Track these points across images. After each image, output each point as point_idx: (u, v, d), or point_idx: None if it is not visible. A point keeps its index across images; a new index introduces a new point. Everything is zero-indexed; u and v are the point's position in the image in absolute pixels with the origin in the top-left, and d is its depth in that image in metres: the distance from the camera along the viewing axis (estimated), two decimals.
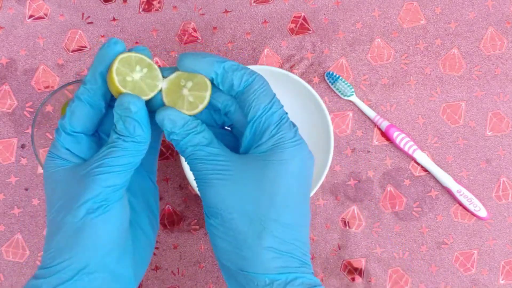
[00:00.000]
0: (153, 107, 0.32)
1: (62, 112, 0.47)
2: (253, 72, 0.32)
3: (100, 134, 0.34)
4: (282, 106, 0.33)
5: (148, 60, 0.32)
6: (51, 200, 0.32)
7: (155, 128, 0.33)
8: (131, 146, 0.30)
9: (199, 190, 0.33)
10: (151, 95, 0.32)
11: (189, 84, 0.33)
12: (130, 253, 0.33)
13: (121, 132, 0.30)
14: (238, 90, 0.32)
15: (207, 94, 0.32)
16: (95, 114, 0.32)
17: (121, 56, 0.31)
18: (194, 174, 0.33)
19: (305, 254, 0.32)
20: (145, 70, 0.32)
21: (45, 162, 0.32)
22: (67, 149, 0.32)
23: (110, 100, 0.33)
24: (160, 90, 0.33)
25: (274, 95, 0.33)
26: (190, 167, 0.32)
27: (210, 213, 0.32)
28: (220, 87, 0.33)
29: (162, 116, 0.32)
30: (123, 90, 0.31)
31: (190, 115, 0.32)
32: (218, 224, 0.32)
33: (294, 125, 0.33)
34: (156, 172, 0.37)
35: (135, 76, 0.31)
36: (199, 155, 0.32)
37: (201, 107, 0.33)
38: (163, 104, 0.33)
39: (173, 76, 0.33)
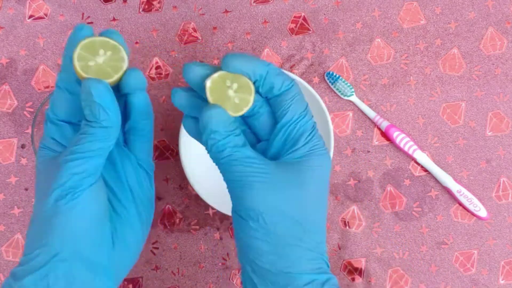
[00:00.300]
0: (126, 87, 0.32)
1: None
2: (292, 78, 0.34)
3: None
4: (313, 116, 0.34)
5: (112, 42, 0.32)
6: (35, 190, 0.32)
7: (134, 110, 0.33)
8: (99, 131, 0.30)
9: (234, 192, 0.32)
10: (115, 77, 0.31)
11: (235, 85, 0.32)
12: (108, 242, 0.32)
13: (88, 117, 0.30)
14: (276, 94, 0.33)
15: (251, 98, 0.32)
16: (75, 100, 0.32)
17: (83, 41, 0.31)
18: (227, 176, 0.32)
19: (326, 255, 0.34)
20: (109, 53, 0.31)
21: (37, 154, 0.32)
22: (53, 138, 0.32)
23: None
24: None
25: (307, 104, 0.34)
26: (224, 168, 0.32)
27: (248, 216, 0.32)
28: (260, 89, 0.33)
29: (210, 114, 0.31)
30: (85, 75, 0.30)
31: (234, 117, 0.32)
32: (259, 226, 0.31)
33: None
34: (150, 158, 0.36)
35: (98, 60, 0.31)
36: (237, 156, 0.31)
37: (245, 109, 0.32)
38: (205, 102, 0.32)
39: (216, 75, 0.32)
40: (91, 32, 0.32)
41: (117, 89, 0.33)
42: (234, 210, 0.33)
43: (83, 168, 0.30)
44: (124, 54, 0.32)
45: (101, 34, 0.32)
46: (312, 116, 0.34)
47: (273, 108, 0.33)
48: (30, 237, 0.31)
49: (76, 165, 0.30)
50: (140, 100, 0.33)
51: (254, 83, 0.32)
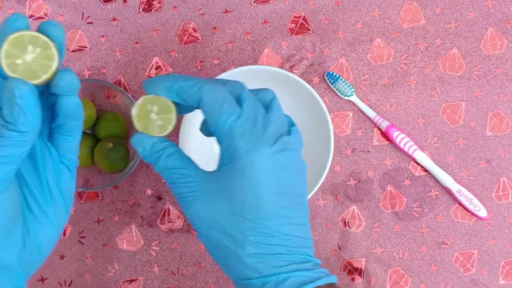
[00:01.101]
0: (56, 89, 0.30)
1: None
2: (199, 87, 0.33)
3: None
4: (235, 112, 0.33)
5: (43, 38, 0.29)
6: None
7: (63, 112, 0.32)
8: (15, 136, 0.28)
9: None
10: (44, 77, 0.29)
11: (155, 108, 0.35)
12: (19, 244, 0.31)
13: (6, 117, 0.28)
14: (196, 106, 0.34)
15: (173, 116, 0.34)
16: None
17: (11, 36, 0.28)
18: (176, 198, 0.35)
19: (295, 248, 0.33)
20: (38, 50, 0.29)
21: None
22: None
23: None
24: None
25: (224, 101, 0.33)
26: (172, 191, 0.35)
27: (197, 233, 0.34)
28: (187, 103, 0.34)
29: (133, 142, 0.34)
30: (11, 75, 0.28)
31: (160, 137, 0.35)
32: (205, 242, 0.34)
33: (253, 123, 0.33)
34: (74, 155, 0.34)
35: (26, 57, 0.29)
36: (174, 178, 0.34)
37: (170, 128, 0.35)
38: (134, 129, 0.35)
39: (140, 101, 0.34)
40: (25, 24, 0.29)
41: (48, 87, 0.31)
42: None
43: None
44: (54, 51, 0.29)
45: (40, 26, 0.30)
46: (232, 113, 0.33)
47: None
48: None
49: None
50: (70, 105, 0.31)
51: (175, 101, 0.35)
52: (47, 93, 0.32)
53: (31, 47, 0.29)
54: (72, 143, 0.33)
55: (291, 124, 0.36)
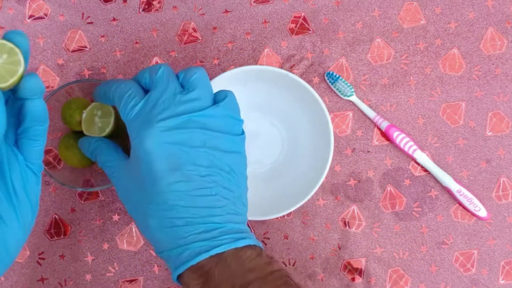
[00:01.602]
0: (21, 92, 0.32)
1: (62, 112, 0.47)
2: (111, 88, 0.39)
3: None
4: (133, 100, 0.37)
5: (9, 45, 0.31)
6: None
7: (29, 115, 0.33)
8: None
9: None
10: (10, 81, 0.31)
11: (99, 112, 0.44)
12: None
13: None
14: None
15: (112, 120, 0.44)
16: None
17: None
18: None
19: (197, 219, 0.35)
20: (4, 56, 0.31)
21: None
22: None
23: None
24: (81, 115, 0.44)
25: (125, 93, 0.37)
26: None
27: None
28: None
29: (79, 144, 0.44)
30: None
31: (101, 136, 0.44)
32: (134, 220, 0.39)
33: (152, 106, 0.36)
34: (40, 160, 0.35)
35: None
36: (106, 170, 0.40)
37: (107, 130, 0.44)
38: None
39: (90, 107, 0.45)
40: None
41: (13, 92, 0.32)
42: None
43: None
44: (20, 57, 0.31)
45: (5, 35, 0.31)
46: (130, 103, 0.37)
47: None
48: None
49: None
50: (36, 108, 0.33)
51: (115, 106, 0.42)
52: (13, 100, 0.33)
53: None
54: (37, 147, 0.35)
55: (222, 98, 0.38)
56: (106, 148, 0.41)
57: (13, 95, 0.33)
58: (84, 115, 0.44)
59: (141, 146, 0.35)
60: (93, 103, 0.44)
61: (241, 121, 0.39)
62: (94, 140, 0.42)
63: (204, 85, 0.37)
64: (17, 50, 0.31)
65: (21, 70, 0.31)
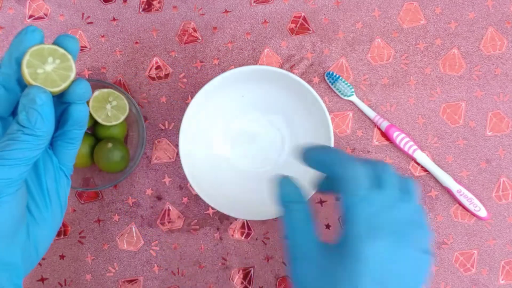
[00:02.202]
0: (69, 97, 0.33)
1: None
2: (343, 164, 0.34)
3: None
4: (365, 192, 0.33)
5: (61, 50, 0.32)
6: None
7: (72, 119, 0.33)
8: (31, 139, 0.30)
9: None
10: (63, 86, 0.32)
11: (114, 102, 0.49)
12: (21, 242, 0.33)
13: (22, 122, 0.30)
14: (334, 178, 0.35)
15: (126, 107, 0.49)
16: (10, 97, 0.32)
17: (32, 48, 0.31)
18: None
19: None
20: (57, 61, 0.32)
21: None
22: None
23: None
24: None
25: (360, 177, 0.33)
26: None
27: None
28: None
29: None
30: (33, 83, 0.31)
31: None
32: None
33: (380, 210, 0.33)
34: (72, 163, 0.36)
35: (47, 67, 0.31)
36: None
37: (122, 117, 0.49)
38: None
39: (96, 93, 0.47)
40: (41, 37, 0.32)
41: (59, 96, 0.33)
42: None
43: (9, 175, 0.30)
44: (72, 63, 0.32)
45: (58, 38, 0.32)
46: (361, 193, 0.33)
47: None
48: None
49: (2, 171, 0.30)
50: (80, 112, 0.33)
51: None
52: (57, 104, 0.34)
53: (51, 58, 0.31)
54: (72, 150, 0.35)
55: (422, 226, 0.34)
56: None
57: (57, 99, 0.34)
58: (90, 103, 0.46)
59: (358, 255, 0.31)
60: (99, 90, 0.45)
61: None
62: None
63: (417, 200, 0.35)
64: (69, 56, 0.32)
65: (72, 75, 0.32)
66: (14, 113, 0.34)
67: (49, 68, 0.31)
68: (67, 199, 0.37)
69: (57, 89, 0.31)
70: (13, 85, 0.32)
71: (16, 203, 0.31)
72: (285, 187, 0.36)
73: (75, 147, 0.35)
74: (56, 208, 0.35)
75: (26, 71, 0.31)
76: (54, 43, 0.32)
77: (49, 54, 0.31)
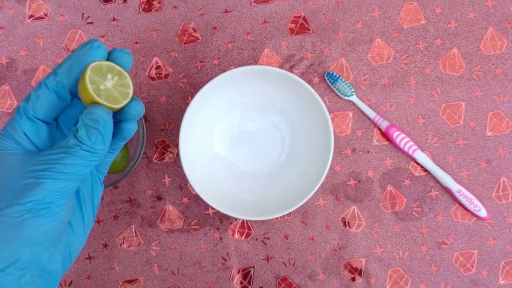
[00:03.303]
0: (126, 116, 0.33)
1: None
2: None
3: (60, 123, 0.34)
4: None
5: (118, 68, 0.32)
6: None
7: (121, 135, 0.34)
8: (88, 156, 0.31)
9: None
10: (124, 103, 0.32)
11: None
12: (62, 250, 0.33)
13: (81, 139, 0.30)
14: None
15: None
16: (60, 104, 0.33)
17: (92, 64, 0.31)
18: None
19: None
20: (116, 78, 0.32)
21: None
22: (25, 134, 0.32)
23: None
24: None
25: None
26: None
27: None
28: None
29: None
30: (98, 99, 0.31)
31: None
32: None
33: None
34: (106, 171, 0.37)
35: (107, 84, 0.31)
36: None
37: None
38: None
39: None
40: (105, 54, 0.32)
41: (115, 113, 0.34)
42: None
43: (63, 188, 0.30)
44: (129, 80, 0.32)
45: (114, 52, 0.32)
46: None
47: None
48: None
49: (56, 183, 0.30)
50: (130, 131, 0.34)
51: None
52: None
53: (110, 75, 0.32)
54: (110, 159, 0.36)
55: None
56: None
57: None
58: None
59: None
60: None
61: None
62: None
63: None
64: (125, 73, 0.32)
65: (131, 92, 0.33)
66: (57, 119, 0.34)
67: (109, 85, 0.31)
68: (99, 203, 0.37)
69: (118, 106, 0.32)
70: (66, 94, 0.32)
71: (65, 214, 0.32)
72: None
73: (113, 156, 0.36)
74: (91, 215, 0.35)
75: (90, 87, 0.30)
76: (109, 56, 0.32)
77: (108, 70, 0.32)
